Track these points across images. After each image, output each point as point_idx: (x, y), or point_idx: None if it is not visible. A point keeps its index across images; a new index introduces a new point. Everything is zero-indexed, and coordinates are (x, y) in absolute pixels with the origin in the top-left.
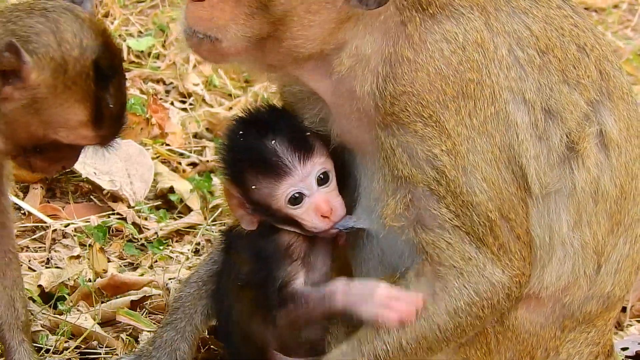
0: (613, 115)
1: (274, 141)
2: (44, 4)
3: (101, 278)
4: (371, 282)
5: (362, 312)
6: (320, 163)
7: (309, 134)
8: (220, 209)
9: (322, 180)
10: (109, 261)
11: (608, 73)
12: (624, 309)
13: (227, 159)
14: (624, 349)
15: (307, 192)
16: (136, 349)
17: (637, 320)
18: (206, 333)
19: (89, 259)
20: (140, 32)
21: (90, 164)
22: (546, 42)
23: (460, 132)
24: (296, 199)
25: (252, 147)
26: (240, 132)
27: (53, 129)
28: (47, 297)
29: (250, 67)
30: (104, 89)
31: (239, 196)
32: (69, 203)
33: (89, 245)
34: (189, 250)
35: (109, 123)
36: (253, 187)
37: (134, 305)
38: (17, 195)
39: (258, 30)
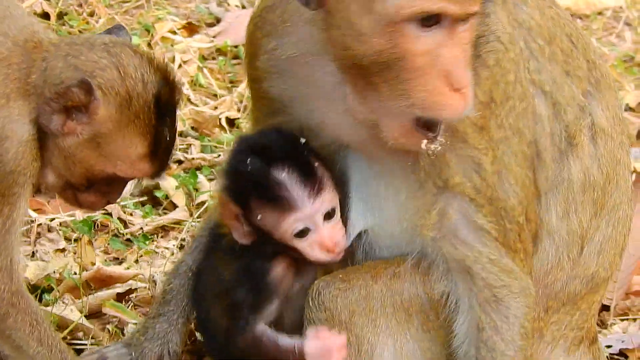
0: (601, 104)
1: (284, 174)
2: (102, 39)
3: (87, 271)
4: (319, 336)
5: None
6: (328, 200)
7: (317, 165)
8: (205, 205)
9: (329, 215)
10: (93, 264)
11: (594, 62)
12: (607, 308)
13: (232, 181)
14: (608, 347)
15: (313, 227)
16: (124, 338)
17: (620, 319)
18: (193, 325)
19: (75, 252)
20: None
21: None
22: (548, 32)
23: (500, 135)
24: (301, 232)
25: (261, 177)
26: (250, 158)
27: (112, 163)
28: (33, 290)
29: None
30: (163, 123)
31: (239, 214)
32: (54, 198)
33: (74, 239)
34: (174, 245)
35: (163, 156)
36: (259, 216)
37: (120, 297)
38: None
39: None
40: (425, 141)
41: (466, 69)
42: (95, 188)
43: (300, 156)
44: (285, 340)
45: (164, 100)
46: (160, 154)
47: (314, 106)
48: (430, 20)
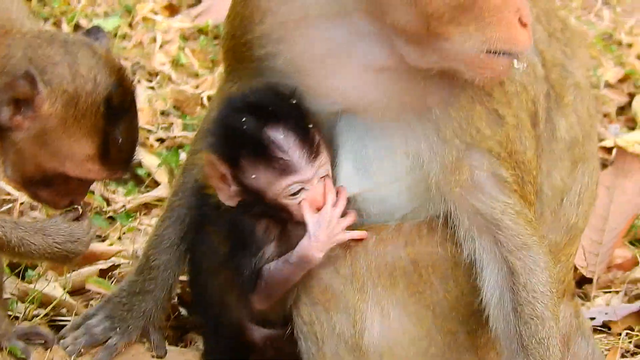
0: (575, 63)
1: (282, 136)
2: (65, 36)
3: None
4: (315, 216)
5: (339, 241)
6: (324, 164)
7: (314, 129)
8: None
9: (322, 178)
10: None
11: (564, 21)
12: (590, 281)
13: (223, 139)
14: (591, 319)
15: (308, 187)
16: (106, 308)
17: (603, 292)
18: (176, 300)
19: None
20: (107, 12)
21: None
22: None
23: (512, 89)
24: (295, 192)
25: (258, 137)
26: (245, 117)
27: (60, 161)
28: (16, 267)
29: None
30: (114, 126)
31: (228, 175)
32: None
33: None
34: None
35: (116, 159)
36: (252, 176)
37: (103, 273)
38: None
39: None
40: (515, 60)
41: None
42: (55, 187)
43: (297, 117)
44: (291, 253)
45: (116, 103)
46: (112, 157)
47: (319, 69)
48: None
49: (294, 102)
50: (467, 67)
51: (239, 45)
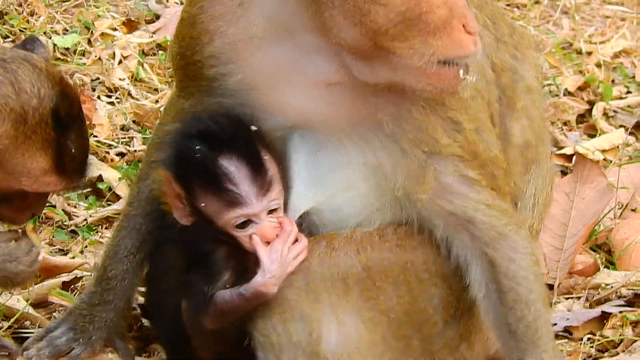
0: (525, 65)
1: (233, 167)
2: (2, 53)
3: None
4: (267, 251)
5: (290, 270)
6: (275, 197)
7: (267, 158)
8: None
9: (272, 211)
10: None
11: (512, 26)
12: (551, 287)
13: (177, 164)
14: (553, 325)
15: (257, 220)
16: (67, 320)
17: (564, 298)
18: (138, 311)
19: None
20: (66, 29)
21: None
22: (477, 2)
23: (467, 95)
24: (243, 224)
25: (208, 167)
26: (198, 144)
27: (16, 179)
28: None
29: None
30: (65, 136)
31: (182, 195)
32: None
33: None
34: None
35: (72, 168)
36: (202, 203)
37: (66, 286)
38: None
39: None
40: (461, 71)
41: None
42: (14, 202)
43: (250, 148)
44: (245, 286)
45: (64, 114)
46: (67, 167)
47: (270, 87)
48: None
49: (249, 128)
50: (417, 80)
51: (189, 64)
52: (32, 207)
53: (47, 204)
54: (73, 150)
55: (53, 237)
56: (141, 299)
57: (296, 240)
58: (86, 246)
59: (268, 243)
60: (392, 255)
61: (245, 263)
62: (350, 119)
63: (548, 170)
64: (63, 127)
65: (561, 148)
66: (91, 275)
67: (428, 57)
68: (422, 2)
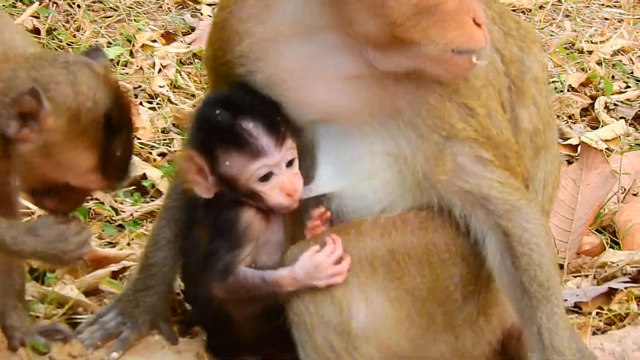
0: (531, 58)
1: (251, 123)
2: (66, 57)
3: None
4: (306, 256)
5: (315, 285)
6: (290, 148)
7: (280, 118)
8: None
9: (290, 163)
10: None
11: (517, 21)
12: (561, 267)
13: (199, 132)
14: (564, 300)
15: (277, 171)
16: (116, 305)
17: (573, 276)
18: (181, 296)
19: None
20: (109, 42)
21: None
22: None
23: (478, 84)
24: (265, 177)
25: (229, 126)
26: (219, 110)
27: (63, 172)
28: (35, 272)
29: None
30: (113, 140)
31: (205, 166)
32: None
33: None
34: None
35: (115, 171)
36: (226, 163)
37: (115, 275)
38: None
39: None
40: (474, 56)
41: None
42: (58, 195)
43: (265, 109)
44: (269, 273)
45: (115, 119)
46: (111, 169)
47: (295, 83)
48: None
49: (262, 97)
50: (433, 67)
51: (221, 65)
52: (73, 200)
53: (96, 201)
54: (118, 154)
55: (102, 231)
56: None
57: (341, 260)
58: (132, 239)
59: (289, 195)
60: (414, 238)
61: (270, 243)
62: (371, 109)
63: (555, 155)
64: (112, 131)
65: (567, 139)
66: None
67: (442, 47)
68: None
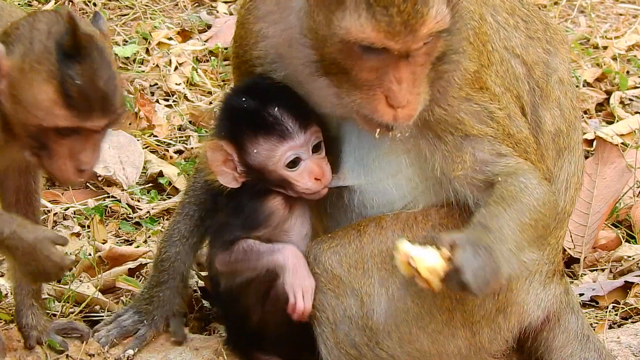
0: (558, 59)
1: (277, 108)
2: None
3: (100, 252)
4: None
5: (287, 282)
6: (316, 132)
7: (304, 105)
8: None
9: (316, 147)
10: (105, 242)
11: (546, 22)
12: (577, 261)
13: (226, 121)
14: (580, 295)
15: (304, 156)
16: (132, 305)
17: (590, 270)
18: (199, 293)
19: (89, 237)
20: (126, 40)
21: None
22: (509, 4)
23: (497, 90)
24: (293, 162)
25: (256, 112)
26: (243, 98)
27: (32, 112)
28: None
29: None
30: (69, 68)
31: (233, 155)
32: (68, 189)
33: (90, 219)
34: None
35: (81, 102)
36: (254, 150)
37: (132, 272)
38: None
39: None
40: (377, 130)
41: (408, 90)
42: (52, 151)
43: (288, 95)
44: (270, 251)
45: (67, 47)
46: (76, 100)
47: (311, 84)
48: (375, 49)
49: (286, 86)
50: (351, 112)
51: (242, 63)
52: (74, 158)
53: (113, 199)
54: (78, 82)
55: (119, 228)
56: (201, 282)
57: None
58: (149, 236)
59: (317, 179)
60: (434, 233)
61: (289, 225)
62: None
63: (579, 157)
64: (67, 60)
65: (583, 134)
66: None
67: (349, 104)
68: (348, 60)
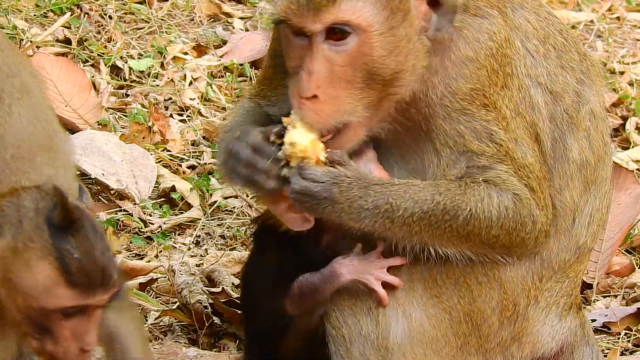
0: (592, 91)
1: None
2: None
3: None
4: (367, 256)
5: (362, 280)
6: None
7: None
8: (216, 204)
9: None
10: (118, 252)
11: (584, 54)
12: (590, 286)
13: None
14: (592, 321)
15: None
16: None
17: (602, 296)
18: (209, 309)
19: None
20: (141, 54)
21: (99, 166)
22: (543, 33)
23: (508, 114)
24: None
25: None
26: None
27: (32, 295)
28: None
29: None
30: (64, 243)
31: None
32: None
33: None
34: (190, 241)
35: (83, 278)
36: None
37: (142, 287)
38: None
39: (373, 96)
40: None
41: (317, 82)
42: (54, 334)
43: None
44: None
45: (57, 221)
46: (77, 276)
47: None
48: (294, 32)
49: None
50: None
51: (274, 74)
52: (79, 338)
53: (124, 212)
54: (76, 256)
55: (130, 242)
56: (211, 300)
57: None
58: (161, 251)
59: None
60: (452, 257)
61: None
62: (390, 133)
63: (605, 193)
64: (60, 234)
65: None
66: (165, 277)
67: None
68: (287, 47)
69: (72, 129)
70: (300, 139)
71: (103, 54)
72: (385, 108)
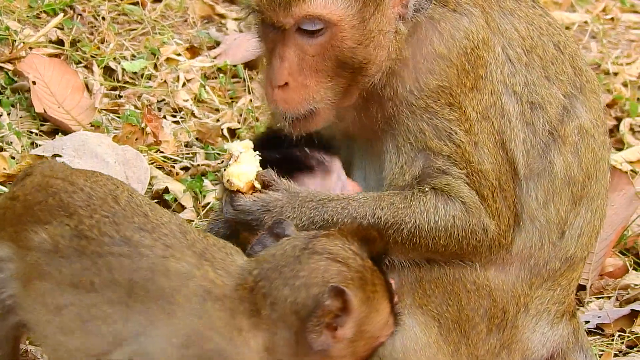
0: (584, 107)
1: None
2: (290, 246)
3: None
4: None
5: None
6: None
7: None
8: (210, 206)
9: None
10: None
11: (580, 68)
12: (584, 288)
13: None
14: (586, 322)
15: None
16: None
17: (596, 298)
18: None
19: None
20: (134, 55)
21: (92, 167)
22: (530, 42)
23: (473, 116)
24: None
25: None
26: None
27: (378, 334)
28: None
29: (333, 116)
30: (385, 275)
31: None
32: None
33: None
34: None
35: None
36: None
37: None
38: None
39: (342, 83)
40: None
41: (288, 71)
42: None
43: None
44: None
45: (375, 252)
46: (394, 301)
47: None
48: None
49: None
50: None
51: None
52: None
53: None
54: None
55: None
56: None
57: None
58: None
59: None
60: (440, 266)
61: None
62: (359, 129)
63: (598, 206)
64: (379, 267)
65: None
66: None
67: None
68: (263, 39)
69: (65, 131)
70: (233, 171)
71: (96, 55)
72: (353, 94)
